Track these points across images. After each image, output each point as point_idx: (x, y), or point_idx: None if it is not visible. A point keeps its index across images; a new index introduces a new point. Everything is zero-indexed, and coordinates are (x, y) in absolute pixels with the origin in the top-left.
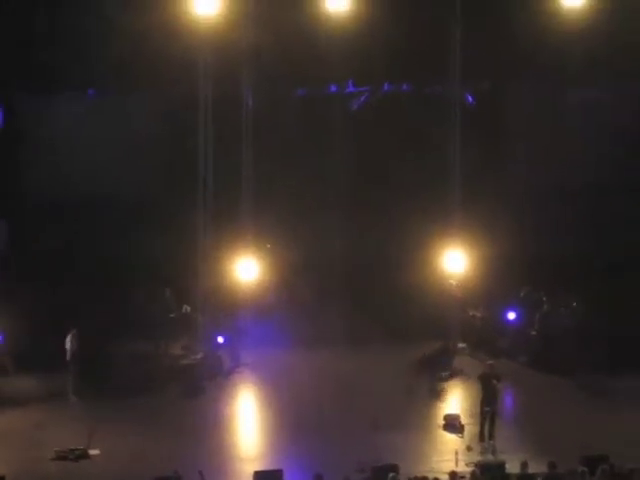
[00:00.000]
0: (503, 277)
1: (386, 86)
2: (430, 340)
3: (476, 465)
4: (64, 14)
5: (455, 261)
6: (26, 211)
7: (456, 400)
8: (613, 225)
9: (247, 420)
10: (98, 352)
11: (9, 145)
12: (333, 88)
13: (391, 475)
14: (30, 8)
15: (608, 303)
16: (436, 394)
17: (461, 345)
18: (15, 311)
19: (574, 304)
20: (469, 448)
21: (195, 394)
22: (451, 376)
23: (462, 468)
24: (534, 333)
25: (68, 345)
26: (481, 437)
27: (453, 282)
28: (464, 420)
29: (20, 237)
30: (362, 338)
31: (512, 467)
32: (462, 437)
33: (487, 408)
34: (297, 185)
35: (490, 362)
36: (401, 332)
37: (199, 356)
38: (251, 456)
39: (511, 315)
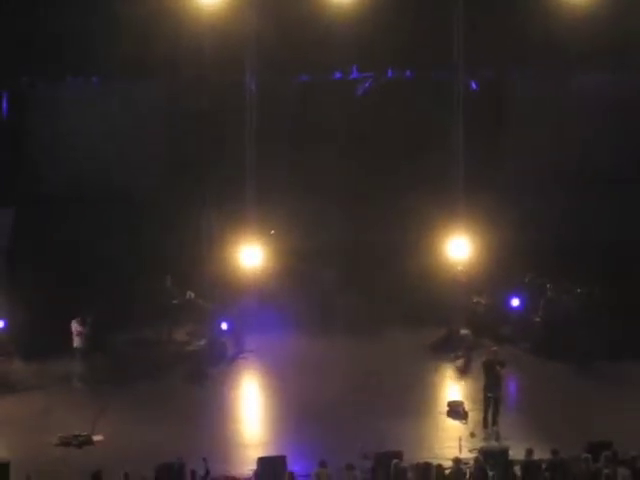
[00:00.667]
0: (507, 264)
1: (390, 72)
2: (434, 326)
3: (479, 451)
4: (69, 3)
5: (459, 248)
6: (31, 200)
7: (460, 386)
8: (618, 212)
9: (251, 406)
10: (102, 339)
11: (13, 135)
12: (337, 74)
13: (395, 461)
14: None
15: (612, 289)
16: (440, 380)
17: (464, 331)
18: (19, 298)
19: (578, 290)
20: (472, 434)
21: (199, 380)
22: (460, 357)
23: (466, 454)
24: (538, 320)
25: (75, 330)
26: (485, 423)
27: (459, 268)
28: (468, 406)
29: (24, 225)
30: (366, 324)
31: (516, 453)
32: (466, 423)
33: (490, 394)
34: (301, 171)
35: (494, 348)
36: (405, 318)
37: (203, 342)
38: (255, 442)
39: (515, 302)
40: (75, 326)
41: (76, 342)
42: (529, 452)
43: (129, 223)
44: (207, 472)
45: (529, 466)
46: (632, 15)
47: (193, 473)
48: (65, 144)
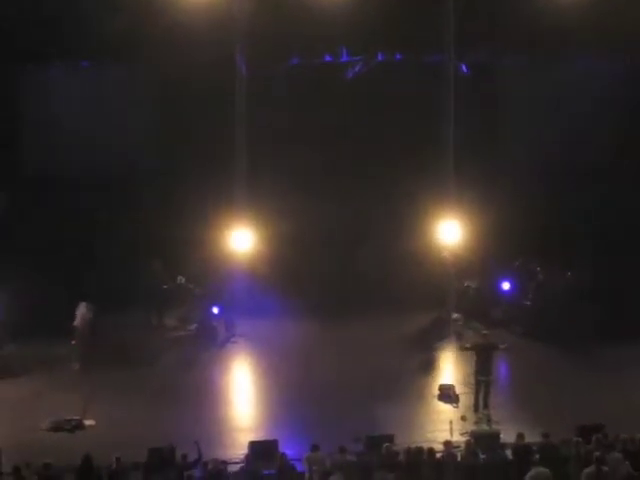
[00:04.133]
0: (498, 247)
1: (380, 56)
2: (425, 310)
3: (471, 435)
4: None
5: (450, 231)
6: (23, 183)
7: (451, 370)
8: (609, 196)
9: (242, 391)
10: (94, 323)
11: (4, 118)
12: (327, 57)
13: (386, 445)
14: None
15: (603, 273)
16: (431, 364)
17: (455, 315)
18: (10, 280)
19: (568, 274)
20: (464, 418)
21: (190, 365)
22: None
23: (457, 438)
24: (528, 303)
25: (81, 314)
26: (476, 407)
27: (448, 252)
28: (459, 390)
29: (17, 209)
30: (357, 308)
31: (507, 437)
32: (457, 407)
33: (481, 378)
34: (291, 155)
35: (484, 332)
36: (396, 302)
37: (194, 327)
38: (246, 426)
39: (505, 285)
40: (82, 310)
41: (77, 322)
42: (520, 436)
43: (120, 206)
44: (199, 456)
45: (519, 449)
46: (630, 2)
47: (185, 457)
48: (56, 127)
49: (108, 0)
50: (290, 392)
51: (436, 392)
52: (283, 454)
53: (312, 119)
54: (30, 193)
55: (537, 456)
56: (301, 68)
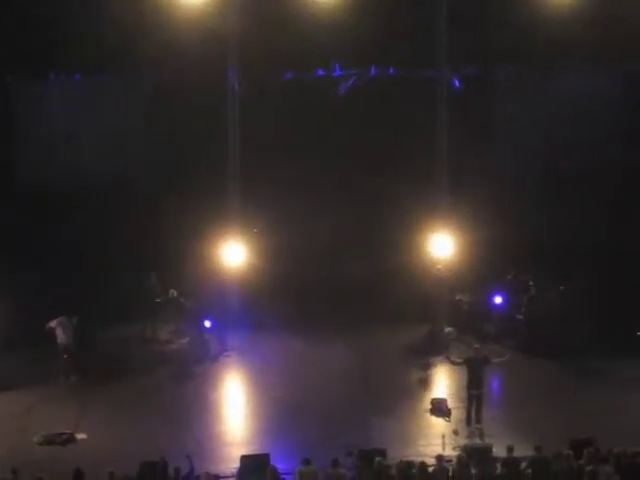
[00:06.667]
0: (490, 261)
1: (373, 70)
2: (417, 324)
3: (463, 449)
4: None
5: (442, 245)
6: (16, 196)
7: (443, 384)
8: (601, 209)
9: (234, 405)
10: (86, 336)
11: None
12: (320, 72)
13: (378, 459)
14: None
15: (596, 287)
16: (424, 378)
17: (448, 329)
18: (5, 294)
19: (561, 288)
20: (456, 432)
21: (182, 379)
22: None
23: (449, 452)
24: (520, 317)
25: (59, 331)
26: (468, 421)
27: (440, 266)
28: (451, 404)
29: (8, 221)
30: (349, 322)
31: (499, 451)
32: (449, 421)
33: (473, 392)
34: (284, 169)
35: (476, 346)
36: (388, 316)
37: (186, 340)
38: (238, 441)
39: (498, 299)
40: (61, 323)
41: (60, 339)
42: (509, 449)
43: (112, 219)
44: (191, 469)
45: (509, 463)
46: (618, 14)
47: (177, 471)
48: (49, 140)
49: (102, 14)
50: (282, 406)
51: (428, 406)
52: (273, 468)
53: (305, 133)
54: (24, 207)
55: (528, 470)
56: (294, 82)
